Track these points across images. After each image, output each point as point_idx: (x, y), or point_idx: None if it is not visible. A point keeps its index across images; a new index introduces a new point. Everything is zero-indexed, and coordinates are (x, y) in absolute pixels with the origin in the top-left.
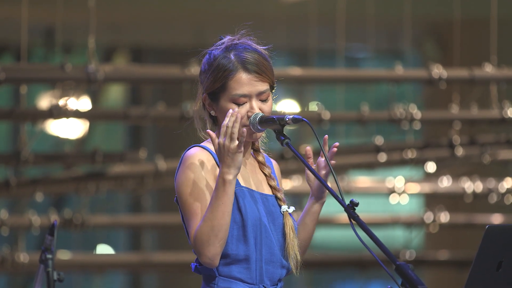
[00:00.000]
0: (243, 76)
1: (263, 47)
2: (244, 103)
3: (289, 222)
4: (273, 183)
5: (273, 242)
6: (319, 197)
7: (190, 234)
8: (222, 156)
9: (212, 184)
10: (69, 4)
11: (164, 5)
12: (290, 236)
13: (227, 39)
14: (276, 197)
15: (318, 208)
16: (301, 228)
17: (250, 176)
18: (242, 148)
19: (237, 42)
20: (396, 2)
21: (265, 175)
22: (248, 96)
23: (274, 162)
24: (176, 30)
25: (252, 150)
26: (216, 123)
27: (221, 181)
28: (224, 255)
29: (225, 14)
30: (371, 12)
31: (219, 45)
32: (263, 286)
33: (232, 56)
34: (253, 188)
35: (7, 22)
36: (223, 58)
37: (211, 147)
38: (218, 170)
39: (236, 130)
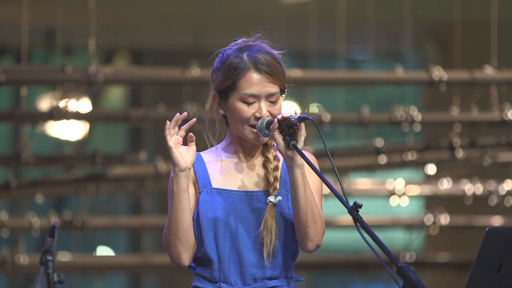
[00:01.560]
0: (253, 76)
1: (278, 52)
2: (252, 103)
3: (269, 211)
4: (271, 177)
5: (240, 242)
6: (289, 163)
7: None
8: None
9: (191, 189)
10: (69, 6)
11: (164, 6)
12: (266, 225)
13: (241, 40)
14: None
15: (292, 175)
16: (294, 209)
17: (247, 176)
18: (173, 147)
19: (252, 44)
20: (396, 4)
21: (268, 170)
22: (257, 97)
23: (308, 156)
24: (176, 32)
25: (263, 146)
26: (227, 121)
27: (170, 178)
28: (194, 257)
29: (225, 15)
30: (371, 14)
31: (233, 45)
32: (220, 284)
33: (244, 56)
34: (242, 188)
35: (7, 23)
36: (235, 57)
37: (203, 154)
38: (194, 178)
39: (166, 135)
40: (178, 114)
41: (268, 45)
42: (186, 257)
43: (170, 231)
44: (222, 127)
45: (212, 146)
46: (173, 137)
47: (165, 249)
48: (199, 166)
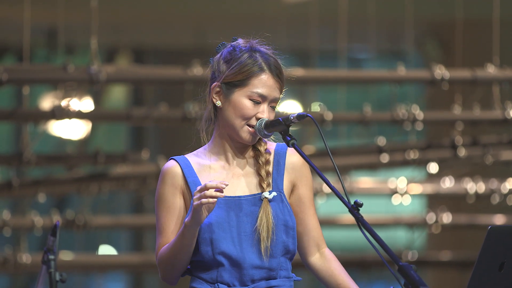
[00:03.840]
0: (268, 78)
1: (279, 57)
2: (257, 103)
3: (264, 208)
4: (263, 171)
5: (236, 244)
6: None
7: (155, 248)
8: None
9: (179, 199)
10: (71, 5)
11: (166, 6)
12: (262, 220)
13: (243, 40)
14: (263, 188)
15: None
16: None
17: (239, 179)
18: (204, 212)
19: (258, 46)
20: (398, 2)
21: (259, 163)
22: (265, 98)
23: (290, 152)
24: (178, 31)
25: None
26: (216, 114)
27: (184, 224)
28: (191, 260)
29: (227, 15)
30: (373, 13)
31: (241, 43)
32: (217, 285)
33: (258, 56)
34: (235, 193)
35: (9, 22)
36: (251, 56)
37: (190, 158)
38: (185, 185)
39: (205, 203)
40: (224, 185)
41: (270, 50)
42: (176, 280)
43: (170, 262)
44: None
45: (204, 144)
46: (213, 203)
47: (158, 267)
48: (189, 171)
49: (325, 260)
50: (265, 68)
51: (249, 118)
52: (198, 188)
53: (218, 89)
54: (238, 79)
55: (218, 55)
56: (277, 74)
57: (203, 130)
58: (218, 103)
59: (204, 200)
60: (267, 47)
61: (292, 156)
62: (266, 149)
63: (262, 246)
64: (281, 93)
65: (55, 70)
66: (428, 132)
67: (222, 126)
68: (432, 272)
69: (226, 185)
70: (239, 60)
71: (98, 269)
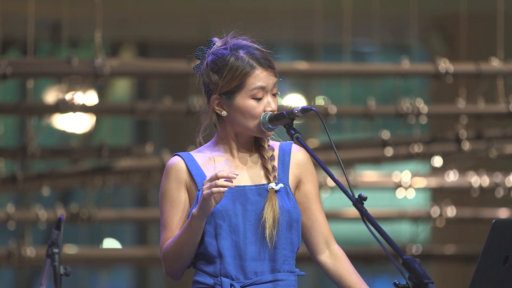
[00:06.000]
0: (261, 71)
1: (260, 46)
2: (261, 99)
3: (270, 197)
4: (269, 165)
5: (240, 236)
6: None
7: (160, 242)
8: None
9: (183, 194)
10: None
11: None
12: (267, 209)
13: (221, 40)
14: (268, 180)
15: None
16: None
17: (244, 171)
18: (213, 202)
19: (235, 41)
20: None
21: (264, 158)
22: (265, 90)
23: (295, 149)
24: (182, 25)
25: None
26: (221, 124)
27: (191, 214)
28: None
29: (231, 8)
30: (377, 7)
31: (220, 46)
32: (220, 279)
33: (244, 55)
34: (240, 183)
35: (13, 16)
36: (236, 58)
37: (193, 153)
38: (190, 178)
39: (216, 192)
40: (235, 175)
41: (249, 41)
42: (181, 274)
43: (175, 255)
44: (212, 129)
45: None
46: (222, 193)
47: (162, 261)
48: (193, 165)
49: (335, 259)
50: (254, 64)
51: (259, 116)
52: (208, 177)
53: (217, 100)
54: (235, 85)
55: (204, 66)
56: (267, 64)
57: (201, 134)
58: (224, 113)
59: (214, 189)
60: (243, 38)
61: (297, 153)
62: (269, 146)
63: (267, 233)
64: (276, 77)
65: (59, 63)
66: (432, 125)
67: (228, 128)
68: (436, 265)
69: (237, 175)
70: (228, 66)
71: (102, 263)
